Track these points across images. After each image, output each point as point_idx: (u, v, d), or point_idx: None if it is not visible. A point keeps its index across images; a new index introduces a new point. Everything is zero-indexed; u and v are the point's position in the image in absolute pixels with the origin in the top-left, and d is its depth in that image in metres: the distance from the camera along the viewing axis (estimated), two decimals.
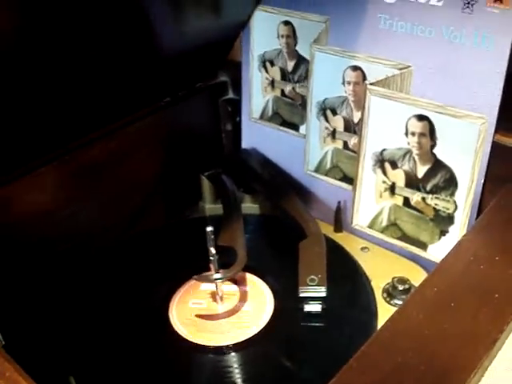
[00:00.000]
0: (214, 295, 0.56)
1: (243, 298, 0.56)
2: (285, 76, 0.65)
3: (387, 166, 0.59)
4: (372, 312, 0.54)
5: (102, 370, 0.50)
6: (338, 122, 0.62)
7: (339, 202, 0.64)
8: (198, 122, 0.72)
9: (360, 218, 0.63)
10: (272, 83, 0.67)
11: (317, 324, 0.53)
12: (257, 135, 0.70)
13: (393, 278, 0.56)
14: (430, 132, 0.55)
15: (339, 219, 0.64)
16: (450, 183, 0.55)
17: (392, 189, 0.59)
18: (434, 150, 0.55)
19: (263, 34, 0.65)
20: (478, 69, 0.50)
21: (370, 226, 0.63)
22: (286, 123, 0.67)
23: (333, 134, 0.63)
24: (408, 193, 0.58)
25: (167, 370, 0.50)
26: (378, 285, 0.57)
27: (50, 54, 0.48)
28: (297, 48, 0.63)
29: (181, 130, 0.70)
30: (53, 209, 0.58)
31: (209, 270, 0.54)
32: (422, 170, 0.57)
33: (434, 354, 0.34)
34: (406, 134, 0.56)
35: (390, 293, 0.55)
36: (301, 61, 0.63)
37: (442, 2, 0.50)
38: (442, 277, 0.40)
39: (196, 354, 0.51)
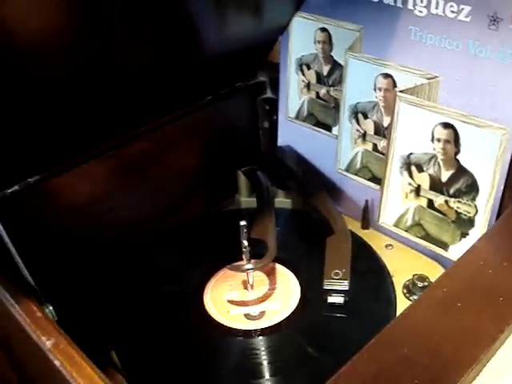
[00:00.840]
0: (245, 283, 0.60)
1: (272, 287, 0.60)
2: (320, 79, 0.69)
3: (413, 169, 0.62)
4: (391, 306, 0.58)
5: (140, 347, 0.56)
6: (368, 126, 0.65)
7: (367, 201, 0.67)
8: (238, 120, 0.76)
9: (386, 217, 0.67)
10: (308, 85, 0.70)
11: (339, 314, 0.57)
12: (292, 134, 0.74)
13: (413, 275, 0.60)
14: (455, 139, 0.58)
15: (366, 217, 0.68)
16: (472, 188, 0.58)
17: (417, 191, 0.63)
18: (458, 157, 0.58)
19: (301, 38, 0.68)
20: (501, 82, 0.53)
21: (396, 225, 0.66)
22: (319, 124, 0.71)
23: (363, 137, 0.66)
24: (432, 195, 0.62)
25: (200, 350, 0.55)
26: (400, 281, 0.61)
27: (105, 54, 0.52)
28: (332, 54, 0.66)
29: (221, 127, 0.74)
30: (98, 200, 0.63)
31: (241, 259, 0.59)
32: (445, 175, 0.60)
33: (437, 349, 0.38)
34: (432, 140, 0.59)
35: (410, 289, 0.59)
36: (335, 66, 0.66)
37: (470, 18, 0.53)
38: (452, 278, 0.44)
39: (227, 337, 0.56)
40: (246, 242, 0.57)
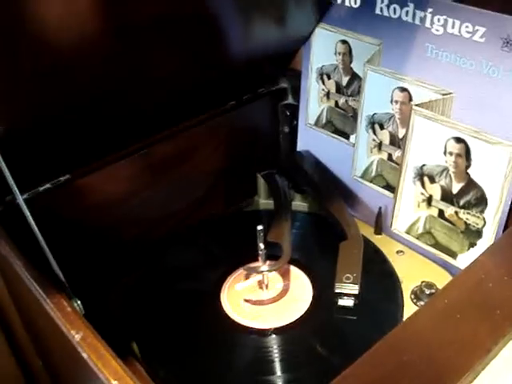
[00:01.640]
0: (260, 283, 0.63)
1: (286, 287, 0.63)
2: (339, 89, 0.71)
3: (426, 179, 0.65)
4: (398, 311, 0.60)
5: (160, 340, 0.59)
6: (384, 136, 0.68)
7: (380, 208, 0.70)
8: (259, 124, 0.79)
9: (398, 224, 0.69)
10: (327, 94, 0.73)
11: (348, 317, 0.60)
12: (311, 139, 0.77)
13: (421, 282, 0.62)
14: (466, 154, 0.60)
15: (379, 223, 0.71)
16: (481, 201, 0.60)
17: (429, 200, 0.65)
18: (469, 170, 0.60)
19: (322, 49, 0.71)
20: None
21: (407, 232, 0.69)
22: (337, 131, 0.73)
23: (379, 146, 0.69)
24: (443, 206, 0.64)
25: (215, 345, 0.58)
26: (408, 286, 0.63)
27: (134, 61, 0.55)
28: (352, 65, 0.69)
29: (243, 130, 0.77)
30: (124, 199, 0.67)
31: (258, 259, 0.62)
32: (456, 187, 0.62)
33: (434, 357, 0.41)
34: (445, 153, 0.62)
35: (418, 295, 0.62)
36: (354, 77, 0.69)
37: (484, 39, 0.55)
38: (453, 291, 0.46)
39: (241, 334, 0.59)
40: (262, 245, 0.60)
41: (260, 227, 0.59)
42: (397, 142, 0.67)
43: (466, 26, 0.56)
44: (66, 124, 0.56)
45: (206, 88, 0.69)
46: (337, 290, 0.60)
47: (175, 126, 0.71)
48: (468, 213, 0.62)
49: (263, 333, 0.59)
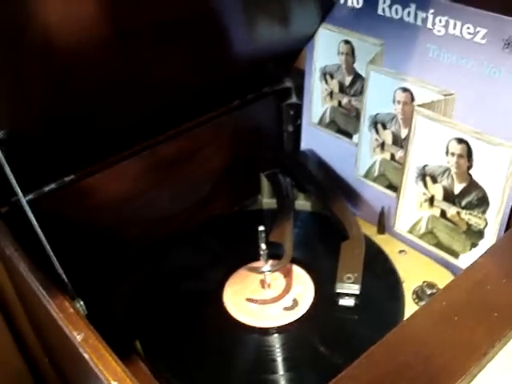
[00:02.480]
0: (262, 282, 0.64)
1: (288, 287, 0.64)
2: (342, 89, 0.71)
3: (428, 179, 0.65)
4: (399, 310, 0.61)
5: (163, 339, 0.60)
6: (387, 136, 0.68)
7: (383, 208, 0.70)
8: (263, 123, 0.79)
9: (401, 223, 0.70)
10: (331, 94, 0.73)
11: (349, 316, 0.60)
12: (315, 139, 0.77)
13: (423, 282, 0.63)
14: (468, 154, 0.60)
15: (382, 222, 0.71)
16: (483, 202, 0.60)
17: (431, 200, 0.65)
18: (471, 171, 0.60)
19: (325, 49, 0.71)
20: None
21: (410, 231, 0.69)
22: (340, 131, 0.74)
23: (382, 146, 0.69)
24: (445, 206, 0.64)
25: (217, 343, 0.59)
26: (410, 286, 0.63)
27: (139, 62, 0.55)
28: (354, 65, 0.69)
29: (247, 130, 0.78)
30: (129, 197, 0.67)
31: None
32: (458, 187, 0.62)
33: (431, 359, 0.41)
34: (447, 153, 0.62)
35: (419, 295, 0.62)
36: (357, 77, 0.69)
37: (485, 40, 0.55)
38: (451, 292, 0.47)
39: (243, 333, 0.59)
40: (263, 246, 0.60)
41: (261, 228, 0.59)
42: (399, 141, 0.67)
43: (468, 27, 0.56)
44: (70, 125, 0.57)
45: (210, 88, 0.69)
46: (338, 290, 0.61)
47: (179, 126, 0.71)
48: (470, 213, 0.62)
49: (265, 331, 0.59)
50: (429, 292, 0.61)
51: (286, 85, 0.79)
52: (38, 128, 0.54)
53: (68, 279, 0.51)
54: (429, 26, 0.59)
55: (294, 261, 0.65)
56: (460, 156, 0.61)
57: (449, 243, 0.65)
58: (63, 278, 0.50)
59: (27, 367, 0.73)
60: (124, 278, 0.67)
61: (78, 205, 0.64)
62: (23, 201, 0.49)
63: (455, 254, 0.65)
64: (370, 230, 0.71)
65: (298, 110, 0.78)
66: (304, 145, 0.78)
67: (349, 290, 0.60)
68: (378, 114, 0.68)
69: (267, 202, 0.76)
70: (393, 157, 0.68)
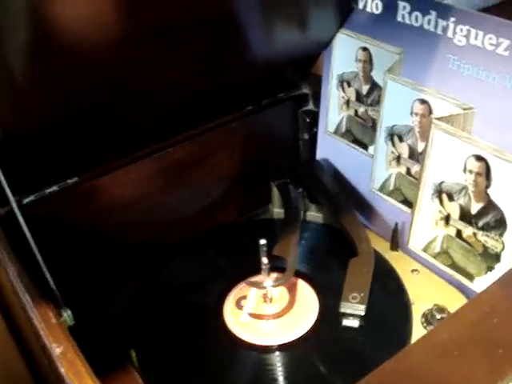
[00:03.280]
0: (264, 297, 0.61)
1: (291, 302, 0.61)
2: (359, 98, 0.68)
3: (444, 197, 0.61)
4: (406, 334, 0.58)
5: (158, 351, 0.58)
6: (403, 149, 0.65)
7: (396, 224, 0.67)
8: (277, 130, 0.77)
9: (415, 241, 0.66)
10: (347, 102, 0.70)
11: (353, 337, 0.57)
12: (330, 148, 0.74)
13: (433, 305, 0.59)
14: (486, 173, 0.56)
15: (396, 239, 0.68)
16: (501, 224, 0.57)
17: (447, 219, 0.62)
18: (489, 191, 0.57)
19: (343, 55, 0.68)
20: None
21: (424, 250, 0.65)
22: (356, 141, 0.71)
23: (398, 159, 0.66)
24: (461, 225, 0.61)
25: (215, 359, 0.57)
26: (420, 308, 0.60)
27: (153, 65, 0.54)
28: (372, 74, 0.66)
29: (260, 136, 0.75)
30: (135, 201, 0.66)
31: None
32: (475, 207, 0.59)
33: None
34: (464, 170, 0.58)
35: (428, 319, 0.59)
36: (374, 86, 0.66)
37: (508, 53, 0.52)
38: (455, 324, 0.43)
39: (242, 350, 0.57)
40: (265, 260, 0.58)
41: (262, 241, 0.57)
42: (416, 155, 0.64)
43: (490, 38, 0.53)
44: (76, 127, 0.56)
45: (225, 92, 0.67)
46: (342, 310, 0.58)
47: (190, 130, 0.69)
48: (487, 235, 0.58)
49: (265, 349, 0.57)
50: (438, 317, 0.58)
51: (303, 91, 0.76)
52: (37, 128, 0.53)
53: (60, 286, 0.50)
54: (449, 35, 0.56)
55: (299, 274, 0.63)
56: (478, 174, 0.57)
57: (464, 265, 0.62)
58: (51, 286, 0.49)
59: (28, 371, 0.72)
60: (125, 284, 0.65)
61: (81, 208, 0.63)
62: (13, 204, 0.48)
63: (470, 277, 0.61)
64: (382, 246, 0.68)
65: (314, 117, 0.75)
66: (319, 154, 0.76)
67: (353, 311, 0.57)
68: (394, 125, 0.65)
69: (278, 211, 0.73)
70: (409, 171, 0.65)
